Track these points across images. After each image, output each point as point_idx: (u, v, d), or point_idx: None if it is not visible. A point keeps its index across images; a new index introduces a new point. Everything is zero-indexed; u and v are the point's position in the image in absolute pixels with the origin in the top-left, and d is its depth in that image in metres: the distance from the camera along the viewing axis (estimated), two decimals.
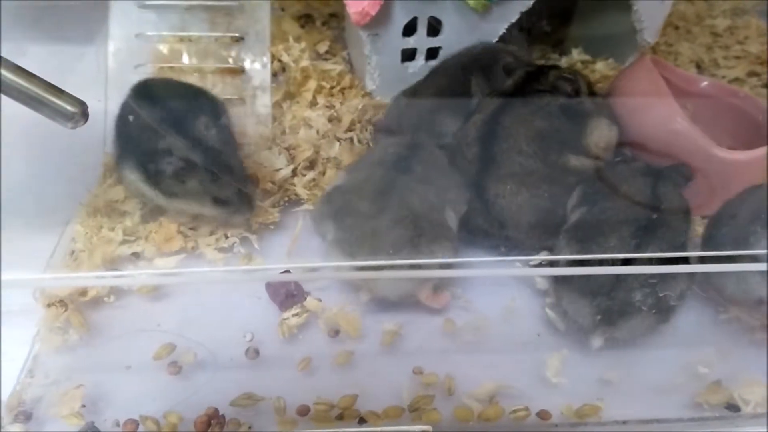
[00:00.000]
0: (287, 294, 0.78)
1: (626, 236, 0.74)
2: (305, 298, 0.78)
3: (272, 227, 0.87)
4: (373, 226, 0.75)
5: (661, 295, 0.71)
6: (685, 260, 0.75)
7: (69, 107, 0.59)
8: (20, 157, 0.90)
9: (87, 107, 0.60)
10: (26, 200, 0.86)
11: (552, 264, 0.81)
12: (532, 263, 0.80)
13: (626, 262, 0.71)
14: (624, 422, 0.69)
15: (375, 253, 0.74)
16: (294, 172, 0.92)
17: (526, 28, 1.13)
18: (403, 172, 0.80)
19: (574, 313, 0.74)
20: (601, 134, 0.86)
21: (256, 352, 0.73)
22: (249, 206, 0.82)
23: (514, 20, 0.99)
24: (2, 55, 0.58)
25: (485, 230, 0.84)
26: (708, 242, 0.79)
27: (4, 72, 0.58)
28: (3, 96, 0.59)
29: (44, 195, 0.88)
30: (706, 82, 1.00)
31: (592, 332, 0.72)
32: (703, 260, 0.77)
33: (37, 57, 0.82)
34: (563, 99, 0.86)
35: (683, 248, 0.75)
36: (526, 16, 0.99)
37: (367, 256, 0.74)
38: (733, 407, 0.70)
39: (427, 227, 0.76)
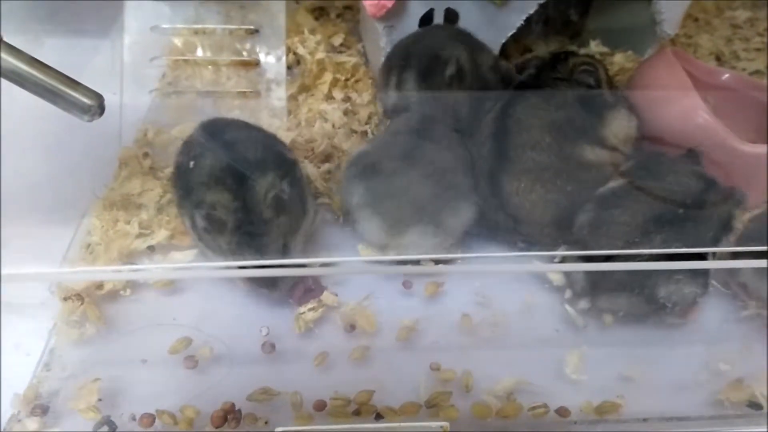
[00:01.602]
0: (304, 288, 0.77)
1: (648, 228, 0.73)
2: (322, 293, 0.77)
3: None
4: (399, 183, 0.79)
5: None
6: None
7: (85, 100, 0.59)
8: (36, 151, 0.90)
9: (104, 100, 0.60)
10: (42, 193, 0.86)
11: (566, 258, 0.80)
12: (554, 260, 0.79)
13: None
14: (644, 420, 0.68)
15: (400, 211, 0.78)
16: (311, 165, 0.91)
17: (552, 17, 1.12)
18: (425, 138, 0.83)
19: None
20: (620, 125, 0.85)
21: (273, 346, 0.73)
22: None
23: (532, 12, 0.98)
24: (19, 47, 0.58)
25: (503, 226, 0.83)
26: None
27: (21, 64, 0.58)
28: (19, 89, 0.59)
29: (60, 188, 0.88)
30: (727, 75, 0.99)
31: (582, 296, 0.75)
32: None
33: (54, 50, 0.81)
34: (581, 90, 0.85)
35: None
36: (552, 5, 0.97)
37: (392, 213, 0.78)
38: (755, 405, 0.69)
39: (452, 186, 0.80)
